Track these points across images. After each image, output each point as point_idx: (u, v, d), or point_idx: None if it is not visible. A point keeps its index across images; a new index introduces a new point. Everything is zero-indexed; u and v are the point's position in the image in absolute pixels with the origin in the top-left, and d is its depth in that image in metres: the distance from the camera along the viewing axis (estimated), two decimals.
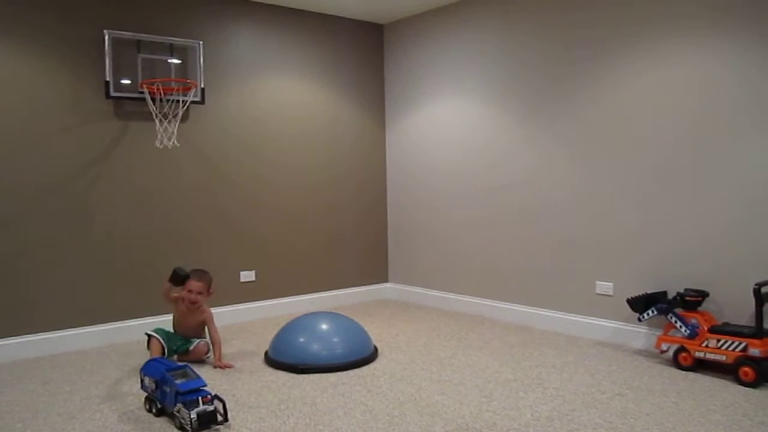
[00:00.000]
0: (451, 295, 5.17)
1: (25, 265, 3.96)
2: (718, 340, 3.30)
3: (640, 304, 3.70)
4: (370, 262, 5.67)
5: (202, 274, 3.76)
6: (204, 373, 3.50)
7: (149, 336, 3.67)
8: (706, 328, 3.37)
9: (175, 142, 4.39)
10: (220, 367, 3.61)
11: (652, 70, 3.79)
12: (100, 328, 4.23)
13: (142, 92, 4.23)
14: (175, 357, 3.74)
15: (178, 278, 3.65)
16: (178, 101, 4.35)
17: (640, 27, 3.82)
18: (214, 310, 4.68)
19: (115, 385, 3.38)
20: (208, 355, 3.80)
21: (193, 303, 3.70)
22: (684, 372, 3.42)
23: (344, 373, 3.51)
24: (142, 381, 3.00)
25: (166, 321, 4.44)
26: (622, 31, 3.91)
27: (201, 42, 4.52)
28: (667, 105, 3.74)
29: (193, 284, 3.69)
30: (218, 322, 4.70)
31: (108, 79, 4.13)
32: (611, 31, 3.97)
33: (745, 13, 3.39)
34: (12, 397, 3.24)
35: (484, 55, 4.80)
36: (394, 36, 5.62)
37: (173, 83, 4.30)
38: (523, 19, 4.51)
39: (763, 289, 3.25)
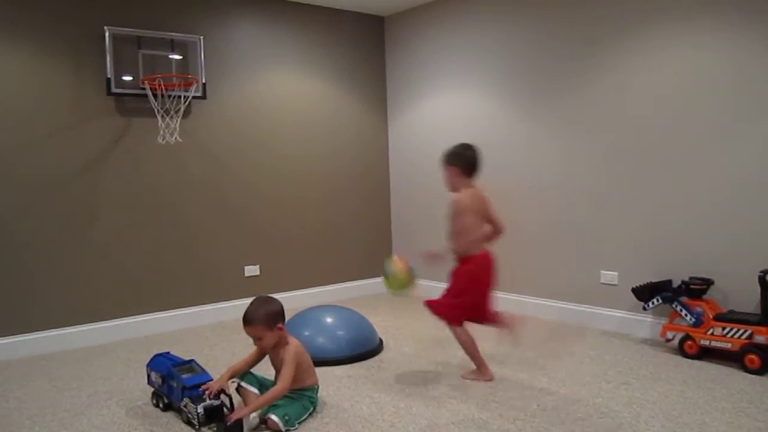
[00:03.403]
0: None
1: (30, 263, 3.97)
2: (724, 328, 3.30)
3: (644, 293, 3.70)
4: (374, 255, 5.67)
5: (253, 314, 2.76)
6: None
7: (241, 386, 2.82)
8: (711, 316, 3.36)
9: (178, 137, 4.38)
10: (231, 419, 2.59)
11: (650, 61, 3.77)
12: (106, 324, 4.24)
13: (144, 88, 4.23)
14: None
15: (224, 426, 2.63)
16: (179, 97, 4.35)
17: (639, 22, 3.80)
18: (220, 306, 4.74)
19: (121, 381, 3.39)
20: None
21: (263, 348, 2.86)
22: (690, 360, 3.41)
23: (350, 365, 3.52)
24: (148, 376, 3.01)
25: (174, 316, 4.48)
26: (622, 26, 3.90)
27: (202, 37, 4.51)
28: (666, 93, 3.72)
29: (248, 330, 2.80)
30: (224, 317, 4.74)
31: (109, 76, 4.13)
32: (611, 26, 3.95)
33: (739, 2, 3.38)
34: (20, 393, 3.25)
35: (485, 47, 4.78)
36: (395, 28, 5.59)
37: (174, 79, 4.29)
38: (525, 13, 4.48)
39: None
